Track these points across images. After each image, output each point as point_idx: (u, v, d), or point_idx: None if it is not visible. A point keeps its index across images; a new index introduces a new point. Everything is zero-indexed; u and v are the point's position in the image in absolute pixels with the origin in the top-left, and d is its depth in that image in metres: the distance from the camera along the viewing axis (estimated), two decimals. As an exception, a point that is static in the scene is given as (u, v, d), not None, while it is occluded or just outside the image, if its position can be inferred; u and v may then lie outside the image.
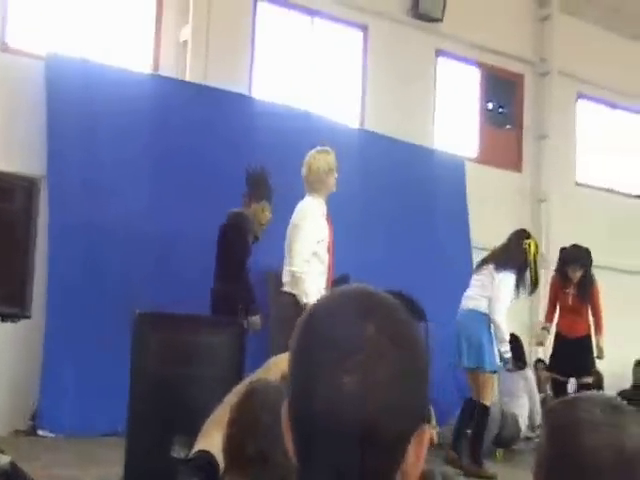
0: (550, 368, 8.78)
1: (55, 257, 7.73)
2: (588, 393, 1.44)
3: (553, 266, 12.12)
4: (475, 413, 7.34)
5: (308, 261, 6.11)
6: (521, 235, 7.63)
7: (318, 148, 6.46)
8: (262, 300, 7.65)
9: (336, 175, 6.40)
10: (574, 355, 8.31)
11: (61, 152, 8.12)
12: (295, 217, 6.30)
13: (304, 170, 6.37)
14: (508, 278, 7.24)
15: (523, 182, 13.24)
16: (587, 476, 1.31)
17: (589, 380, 8.40)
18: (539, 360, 11.51)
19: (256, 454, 2.14)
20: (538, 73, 13.44)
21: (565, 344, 8.44)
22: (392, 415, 1.02)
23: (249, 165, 7.45)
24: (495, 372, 7.41)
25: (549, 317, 8.73)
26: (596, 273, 11.86)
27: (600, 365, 8.94)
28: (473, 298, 7.37)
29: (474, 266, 8.21)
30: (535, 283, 7.51)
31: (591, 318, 8.43)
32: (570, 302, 8.41)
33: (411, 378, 1.05)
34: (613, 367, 10.81)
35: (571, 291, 8.39)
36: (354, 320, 1.04)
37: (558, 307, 8.59)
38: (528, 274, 7.39)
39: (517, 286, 7.33)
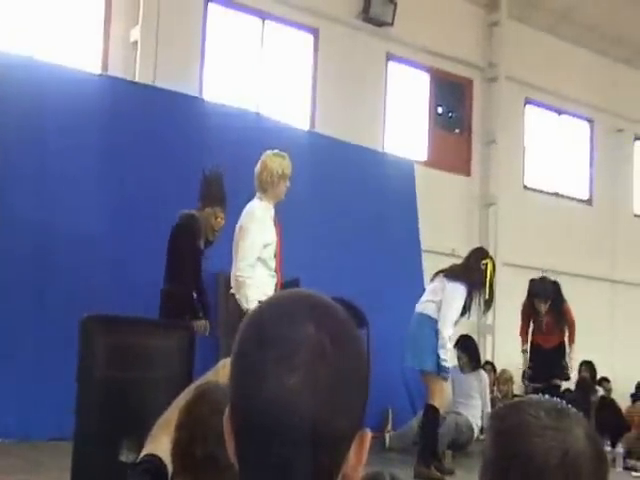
0: (530, 379, 8.97)
1: (0, 256, 7.61)
2: (533, 397, 1.45)
3: (499, 269, 12.31)
4: (425, 412, 7.42)
5: (252, 266, 6.06)
6: (479, 254, 7.78)
7: (275, 151, 6.41)
8: (211, 302, 7.63)
9: (288, 184, 6.35)
10: (549, 361, 8.73)
11: (7, 152, 7.98)
12: (242, 219, 6.25)
13: (258, 168, 6.29)
14: (458, 288, 7.35)
15: (472, 186, 13.38)
16: (533, 478, 1.32)
17: (559, 382, 8.69)
18: (487, 362, 11.64)
19: (205, 457, 2.13)
20: (487, 78, 13.60)
21: (540, 353, 8.86)
22: (333, 414, 1.02)
23: (206, 168, 7.39)
24: (440, 374, 7.42)
25: (524, 338, 9.06)
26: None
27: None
28: (423, 302, 7.49)
29: (423, 268, 8.25)
30: (489, 302, 7.65)
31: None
32: (544, 327, 8.82)
33: (351, 378, 1.06)
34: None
35: (544, 319, 8.74)
36: (295, 320, 1.05)
37: (532, 327, 8.86)
38: (482, 292, 7.53)
39: (469, 303, 7.45)
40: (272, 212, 6.29)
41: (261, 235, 6.12)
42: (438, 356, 7.21)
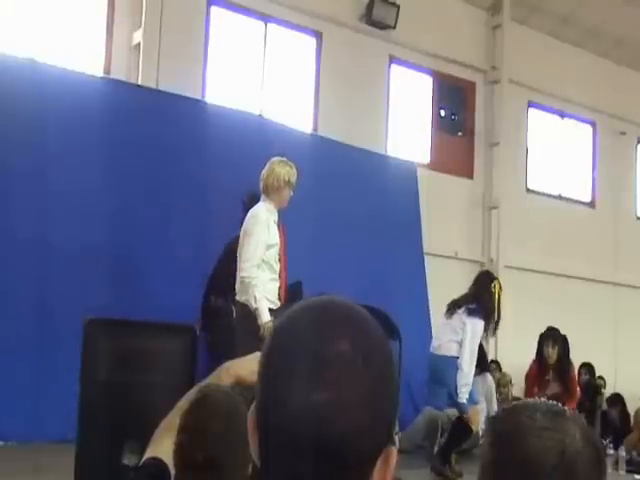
0: None
1: (3, 262, 7.63)
2: (529, 400, 1.47)
3: (501, 272, 12.30)
4: (459, 428, 7.75)
5: (257, 266, 6.10)
6: (488, 278, 7.99)
7: (284, 159, 6.49)
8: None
9: (291, 193, 6.41)
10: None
11: (8, 155, 7.96)
12: (246, 223, 6.31)
13: (265, 172, 6.35)
14: (478, 324, 7.52)
15: (474, 189, 13.36)
16: (530, 479, 1.33)
17: None
18: (492, 361, 11.62)
19: (206, 461, 2.14)
20: (489, 81, 13.59)
21: None
22: (359, 434, 1.01)
23: (245, 193, 7.55)
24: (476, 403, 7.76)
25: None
26: (544, 278, 12.03)
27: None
28: (444, 343, 7.61)
29: (426, 271, 8.23)
30: (497, 322, 7.79)
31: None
32: (550, 390, 8.71)
33: (380, 399, 1.04)
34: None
35: (550, 378, 8.71)
36: (328, 336, 1.03)
37: (537, 391, 8.87)
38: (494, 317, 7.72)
39: (486, 329, 7.66)
40: (276, 216, 6.33)
41: (265, 237, 6.16)
42: (472, 389, 7.55)
